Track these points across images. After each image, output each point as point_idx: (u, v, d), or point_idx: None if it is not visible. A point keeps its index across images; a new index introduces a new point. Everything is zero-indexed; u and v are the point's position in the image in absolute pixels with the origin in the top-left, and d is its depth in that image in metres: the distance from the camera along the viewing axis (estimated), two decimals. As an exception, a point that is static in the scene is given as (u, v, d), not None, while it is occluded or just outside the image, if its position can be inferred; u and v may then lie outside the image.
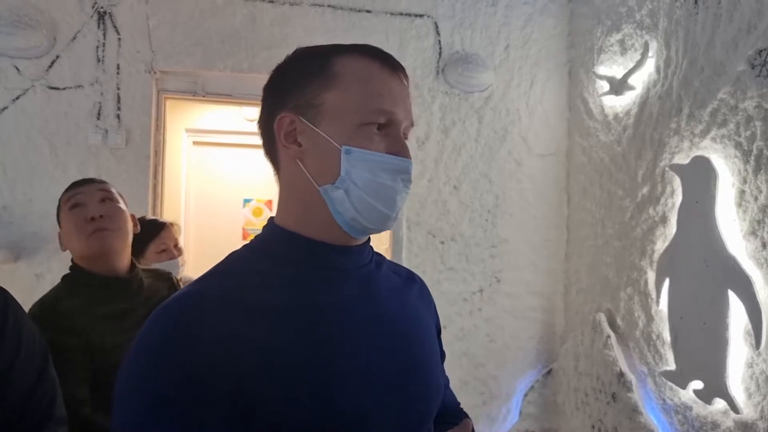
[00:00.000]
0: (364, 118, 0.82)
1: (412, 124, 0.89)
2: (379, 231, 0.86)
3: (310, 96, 0.84)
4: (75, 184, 1.66)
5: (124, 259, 1.63)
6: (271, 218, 0.89)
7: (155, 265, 1.88)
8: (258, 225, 4.68)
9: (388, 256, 2.38)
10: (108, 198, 1.62)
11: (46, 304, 1.57)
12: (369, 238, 0.92)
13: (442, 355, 1.05)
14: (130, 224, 1.66)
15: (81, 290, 1.57)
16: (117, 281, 1.60)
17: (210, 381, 0.69)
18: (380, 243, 2.39)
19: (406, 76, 0.89)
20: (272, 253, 0.84)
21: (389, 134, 0.84)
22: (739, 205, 2.04)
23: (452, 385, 1.11)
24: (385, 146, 0.83)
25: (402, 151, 0.84)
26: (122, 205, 1.66)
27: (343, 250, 0.85)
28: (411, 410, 0.84)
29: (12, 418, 0.95)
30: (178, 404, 0.68)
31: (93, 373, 1.49)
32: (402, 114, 0.85)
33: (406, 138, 0.87)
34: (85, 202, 1.59)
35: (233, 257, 0.85)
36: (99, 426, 1.44)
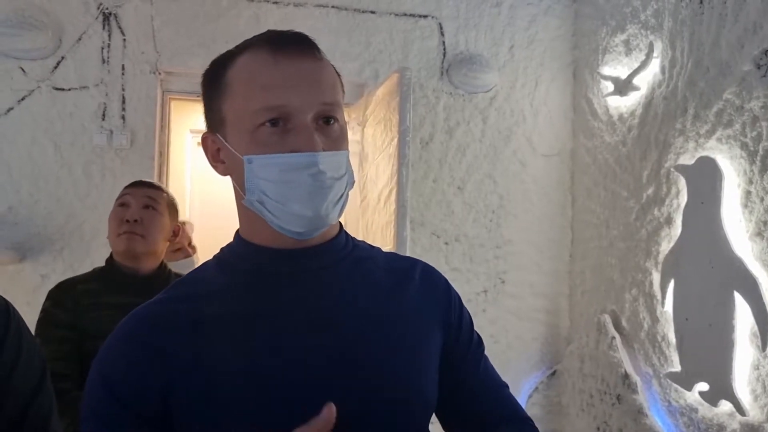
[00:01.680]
0: (255, 119, 0.76)
1: (326, 105, 0.78)
2: (312, 232, 0.79)
3: (216, 111, 0.81)
4: (130, 184, 1.85)
5: (148, 261, 1.77)
6: (239, 228, 0.88)
7: (171, 264, 1.94)
8: (262, 226, 4.66)
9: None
10: (151, 206, 1.76)
11: (66, 281, 1.76)
12: (339, 235, 0.86)
13: (477, 343, 0.96)
14: (164, 232, 1.79)
15: (102, 278, 1.74)
16: (135, 278, 1.73)
17: (126, 392, 0.74)
18: (384, 244, 2.39)
19: (309, 50, 0.79)
20: (226, 261, 0.85)
21: (291, 128, 0.76)
22: (745, 206, 2.03)
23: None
24: (286, 144, 0.76)
25: (303, 145, 0.75)
26: (165, 214, 1.80)
27: (295, 254, 0.81)
28: (373, 421, 0.77)
29: (8, 431, 0.96)
30: (103, 412, 0.75)
31: (82, 355, 1.63)
32: (300, 99, 0.76)
33: (330, 119, 0.79)
34: (130, 204, 1.75)
35: (202, 266, 0.87)
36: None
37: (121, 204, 1.77)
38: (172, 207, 1.86)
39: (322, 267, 0.83)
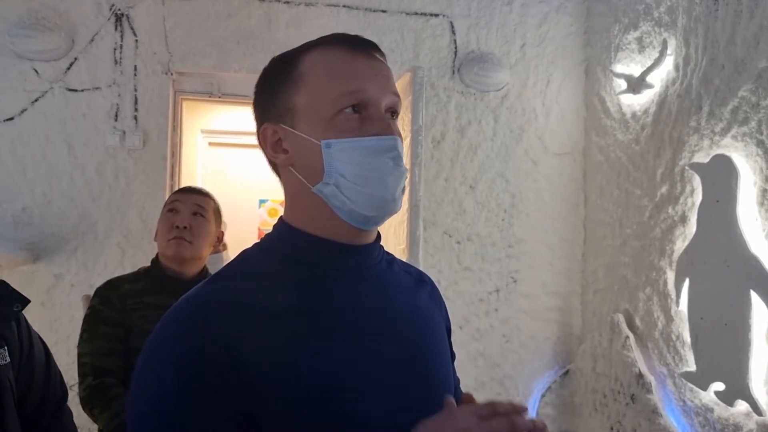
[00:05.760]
0: (335, 105, 0.79)
1: (396, 96, 0.85)
2: (382, 217, 0.83)
3: (284, 102, 0.83)
4: (180, 190, 1.94)
5: (193, 266, 1.85)
6: (281, 216, 0.88)
7: None
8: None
9: (404, 256, 2.37)
10: (199, 213, 1.84)
11: (114, 280, 1.84)
12: (379, 238, 0.90)
13: (453, 356, 1.03)
14: (210, 239, 1.88)
15: (146, 279, 1.82)
16: (180, 281, 1.79)
17: (204, 381, 0.72)
18: (397, 243, 2.39)
19: (377, 52, 0.85)
20: (280, 252, 0.84)
21: (367, 116, 0.81)
22: (761, 204, 2.01)
23: (469, 386, 1.09)
24: (365, 129, 0.80)
25: (383, 130, 0.80)
26: (211, 221, 1.88)
27: (350, 249, 0.84)
28: (419, 411, 0.79)
29: (39, 395, 1.22)
30: (172, 403, 0.72)
31: (126, 352, 1.71)
32: (375, 90, 0.81)
33: (394, 114, 0.84)
34: (180, 210, 1.83)
35: (243, 257, 0.86)
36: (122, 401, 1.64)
37: (171, 210, 1.84)
38: (218, 213, 1.94)
39: (370, 265, 0.87)
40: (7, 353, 1.14)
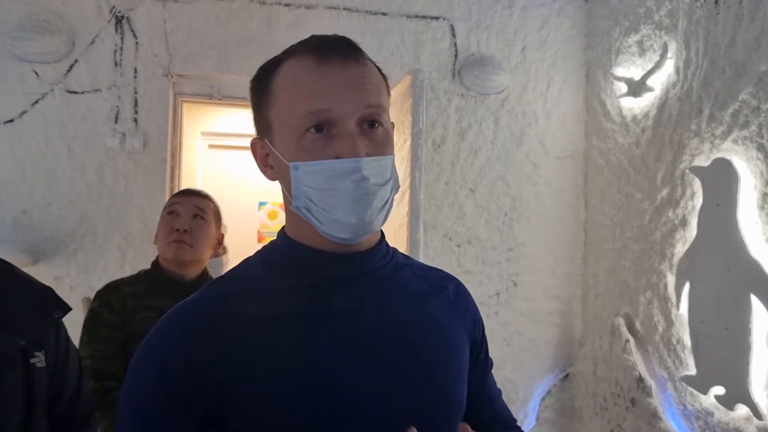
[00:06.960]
0: (300, 125, 0.76)
1: (372, 108, 0.78)
2: (357, 240, 0.79)
3: (264, 117, 0.83)
4: (179, 193, 1.95)
5: (194, 268, 1.84)
6: (283, 226, 0.88)
7: None
8: (273, 228, 4.69)
9: (404, 260, 2.36)
10: (200, 216, 1.83)
11: (113, 283, 1.83)
12: (381, 241, 0.88)
13: (488, 364, 1.00)
14: (210, 241, 1.87)
15: (146, 281, 1.82)
16: (180, 283, 1.80)
17: (186, 389, 0.73)
18: (397, 246, 2.37)
19: (353, 56, 0.79)
20: (277, 261, 0.84)
21: (334, 135, 0.77)
22: (762, 208, 2.01)
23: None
24: (329, 150, 0.76)
25: (346, 151, 0.75)
26: (212, 224, 1.87)
27: (343, 258, 0.82)
28: (417, 421, 0.78)
29: (68, 408, 1.21)
30: (156, 408, 0.73)
31: (126, 355, 1.70)
32: (344, 105, 0.76)
33: (374, 123, 0.79)
34: (180, 213, 1.82)
35: (243, 263, 0.87)
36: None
37: (171, 212, 1.83)
38: (217, 216, 1.93)
39: (368, 272, 0.84)
40: (44, 357, 1.13)
